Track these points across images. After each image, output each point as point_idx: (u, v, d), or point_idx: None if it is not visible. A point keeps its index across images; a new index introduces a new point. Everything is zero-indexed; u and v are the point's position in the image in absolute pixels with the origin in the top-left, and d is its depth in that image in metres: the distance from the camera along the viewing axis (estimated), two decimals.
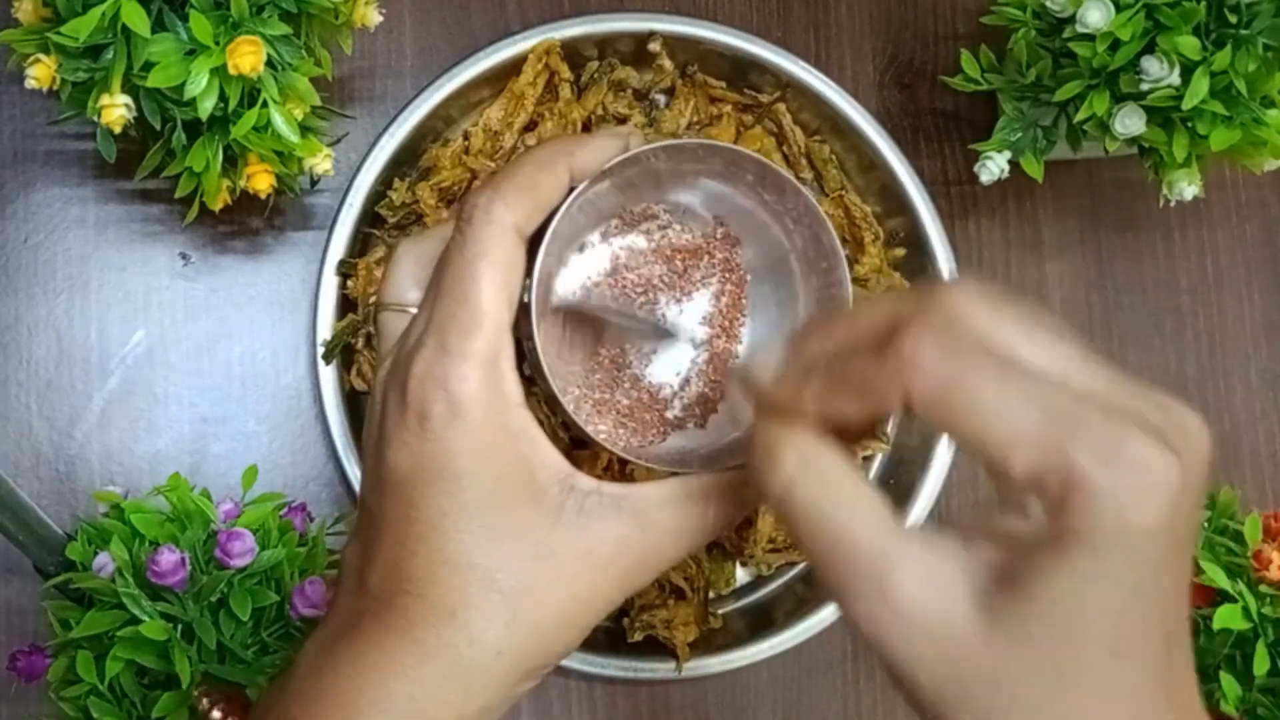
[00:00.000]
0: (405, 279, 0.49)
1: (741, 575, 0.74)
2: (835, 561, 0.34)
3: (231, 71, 0.56)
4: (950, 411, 0.32)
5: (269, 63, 0.57)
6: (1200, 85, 0.60)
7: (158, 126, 0.59)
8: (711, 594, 0.71)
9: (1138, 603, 0.33)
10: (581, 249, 0.52)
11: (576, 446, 0.68)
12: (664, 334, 0.52)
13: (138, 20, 0.55)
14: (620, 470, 0.68)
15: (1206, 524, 0.63)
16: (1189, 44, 0.60)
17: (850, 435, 0.37)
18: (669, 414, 0.54)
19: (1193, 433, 0.34)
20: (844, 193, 0.74)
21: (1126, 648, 0.33)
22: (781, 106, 0.74)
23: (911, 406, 0.33)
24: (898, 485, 0.73)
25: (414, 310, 0.46)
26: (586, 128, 0.72)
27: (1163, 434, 0.32)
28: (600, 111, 0.73)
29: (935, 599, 0.33)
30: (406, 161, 0.72)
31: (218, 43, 0.56)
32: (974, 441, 0.33)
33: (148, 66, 0.56)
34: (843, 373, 0.35)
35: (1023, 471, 0.32)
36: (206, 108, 0.57)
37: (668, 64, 0.74)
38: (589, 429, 0.51)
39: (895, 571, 0.33)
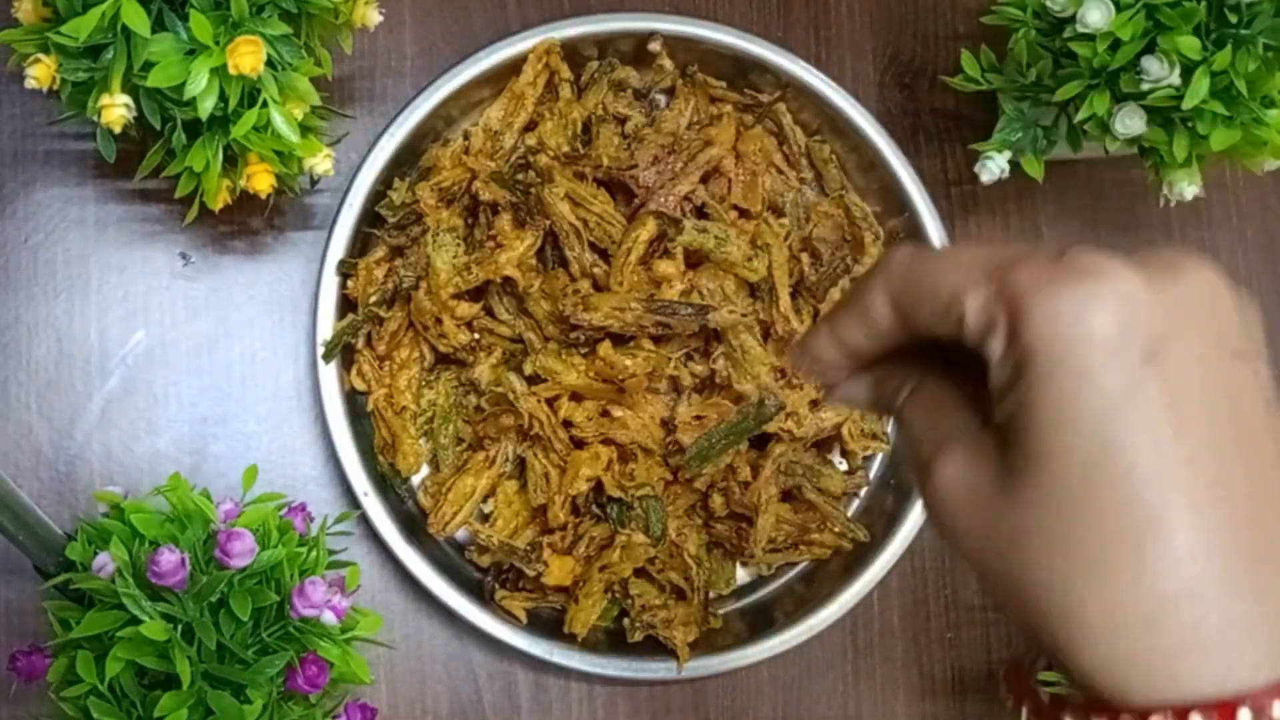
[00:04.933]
0: None
1: (741, 575, 0.74)
2: (905, 455, 0.38)
3: (231, 71, 0.56)
4: (913, 287, 0.35)
5: (269, 62, 0.57)
6: (1200, 85, 0.60)
7: (158, 126, 0.59)
8: (711, 594, 0.71)
9: (1116, 425, 0.31)
10: None
11: (576, 446, 0.68)
12: None
13: (138, 20, 0.55)
14: (621, 470, 0.68)
15: None
16: (1189, 44, 0.60)
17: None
18: None
19: (1184, 261, 0.33)
20: (844, 193, 0.74)
21: (1119, 476, 0.31)
22: (782, 106, 0.74)
23: (891, 307, 0.36)
24: (898, 485, 0.73)
25: None
26: (586, 128, 0.72)
27: (1134, 259, 0.32)
28: (600, 111, 0.73)
29: (967, 476, 0.34)
30: (406, 161, 0.72)
31: (218, 43, 0.56)
32: (937, 308, 0.34)
33: (148, 66, 0.56)
34: (839, 308, 0.38)
35: (976, 313, 0.33)
36: (206, 108, 0.57)
37: (668, 64, 0.74)
38: None
39: (942, 460, 0.35)
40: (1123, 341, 0.31)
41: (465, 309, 0.69)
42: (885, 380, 0.39)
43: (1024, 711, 0.35)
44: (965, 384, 0.36)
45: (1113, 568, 0.31)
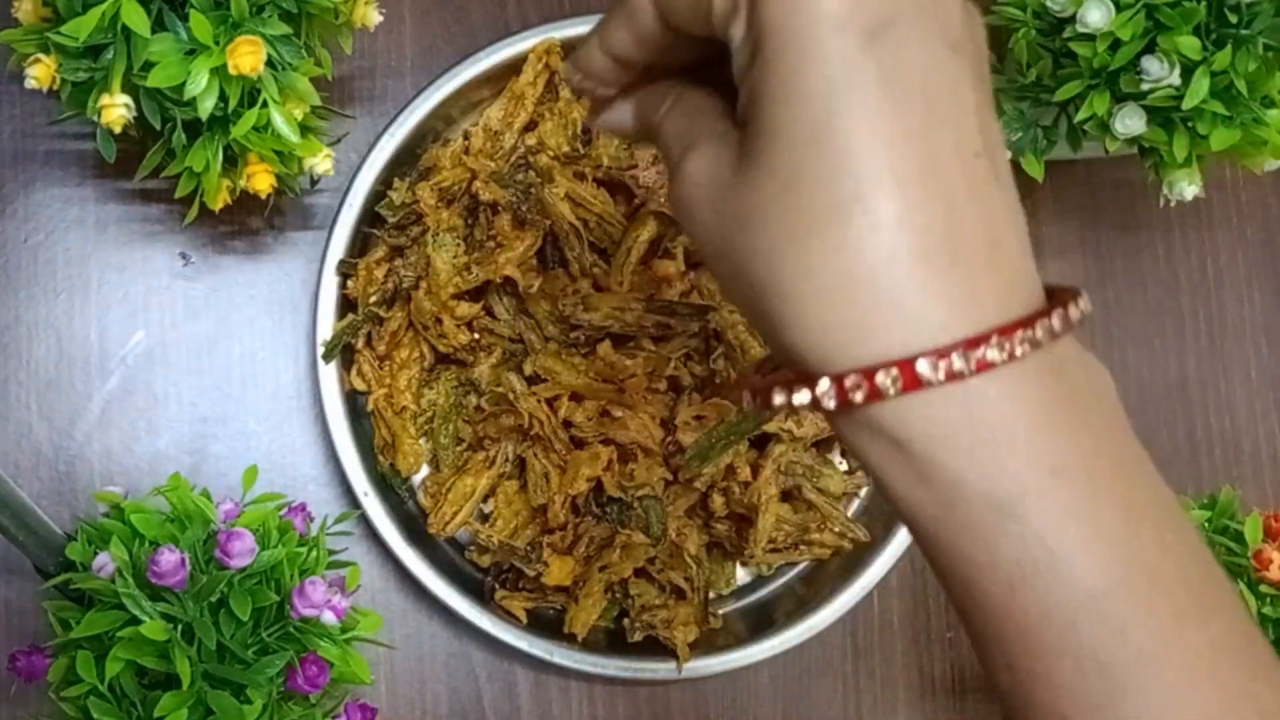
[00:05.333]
0: None
1: (741, 575, 0.74)
2: (666, 166, 0.39)
3: (231, 71, 0.56)
4: None
5: (269, 62, 0.57)
6: (1200, 85, 0.60)
7: (158, 126, 0.59)
8: (711, 594, 0.71)
9: (836, 101, 0.32)
10: None
11: (576, 446, 0.68)
12: None
13: (138, 20, 0.55)
14: (621, 470, 0.68)
15: (1207, 524, 0.63)
16: (1189, 44, 0.60)
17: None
18: None
19: None
20: None
21: (836, 150, 0.32)
22: None
23: (652, 3, 0.37)
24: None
25: None
26: (587, 128, 0.72)
27: None
28: None
29: (709, 168, 0.36)
30: (406, 161, 0.72)
31: (218, 43, 0.56)
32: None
33: (148, 66, 0.56)
34: (609, 16, 0.40)
35: (719, 1, 0.34)
36: (206, 108, 0.57)
37: None
38: None
39: (689, 157, 0.37)
40: (848, 20, 0.32)
41: (465, 309, 0.69)
42: (646, 100, 0.40)
43: (746, 399, 0.36)
44: (724, 96, 0.37)
45: (819, 238, 0.32)
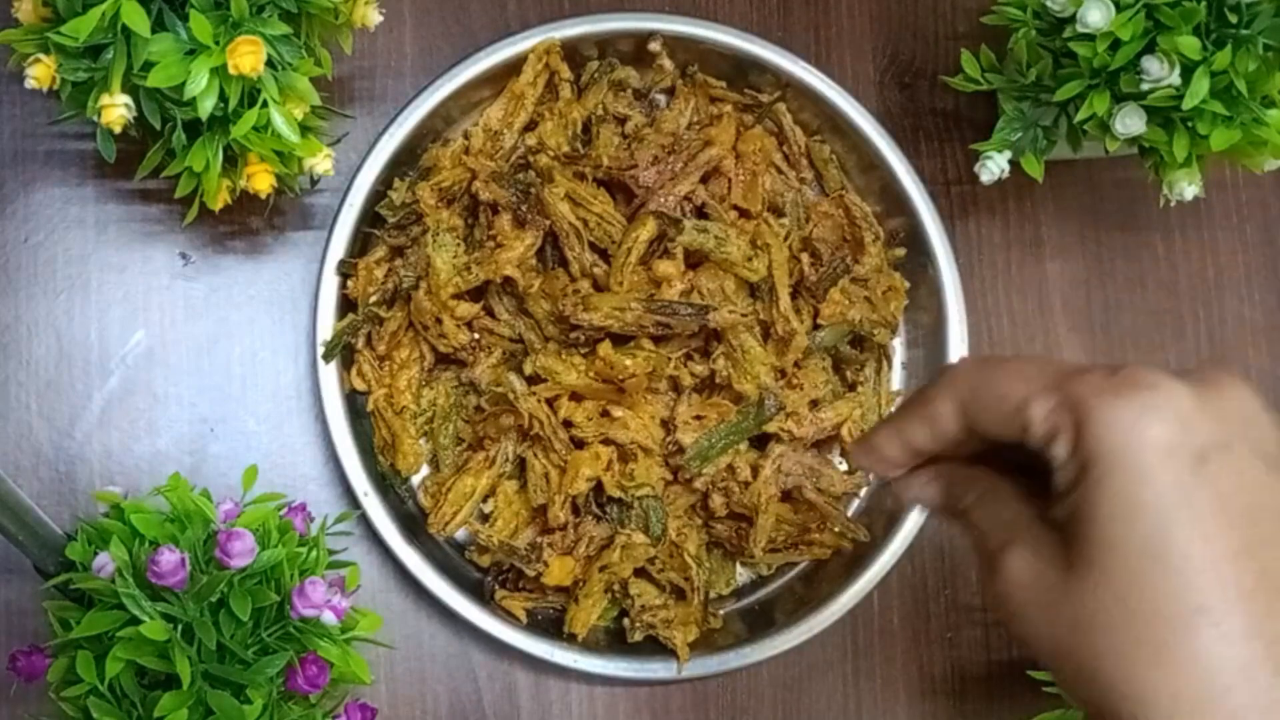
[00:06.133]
0: None
1: (741, 575, 0.74)
2: (978, 555, 0.42)
3: (231, 71, 0.56)
4: (980, 395, 0.39)
5: (269, 62, 0.57)
6: (1200, 85, 0.60)
7: (158, 126, 0.59)
8: (711, 594, 0.71)
9: (1171, 520, 0.34)
10: None
11: (576, 446, 0.68)
12: None
13: (138, 20, 0.55)
14: (621, 471, 0.68)
15: None
16: (1189, 44, 0.60)
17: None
18: None
19: (1224, 378, 0.37)
20: (844, 193, 0.74)
21: (1174, 565, 0.34)
22: (782, 106, 0.74)
23: (957, 413, 0.40)
24: (894, 498, 0.73)
25: None
26: (586, 128, 0.72)
27: (1180, 374, 0.36)
28: (600, 111, 0.73)
29: (1032, 567, 0.38)
30: (406, 161, 0.72)
31: (218, 42, 0.56)
32: (1003, 415, 0.38)
33: (148, 66, 0.56)
34: (904, 410, 0.43)
35: (1041, 420, 0.37)
36: (206, 108, 0.57)
37: (668, 64, 0.74)
38: None
39: (1010, 553, 0.39)
40: (1176, 447, 0.35)
41: (465, 309, 0.69)
42: (953, 483, 0.44)
43: None
44: (1018, 481, 0.41)
45: (1171, 650, 0.35)
